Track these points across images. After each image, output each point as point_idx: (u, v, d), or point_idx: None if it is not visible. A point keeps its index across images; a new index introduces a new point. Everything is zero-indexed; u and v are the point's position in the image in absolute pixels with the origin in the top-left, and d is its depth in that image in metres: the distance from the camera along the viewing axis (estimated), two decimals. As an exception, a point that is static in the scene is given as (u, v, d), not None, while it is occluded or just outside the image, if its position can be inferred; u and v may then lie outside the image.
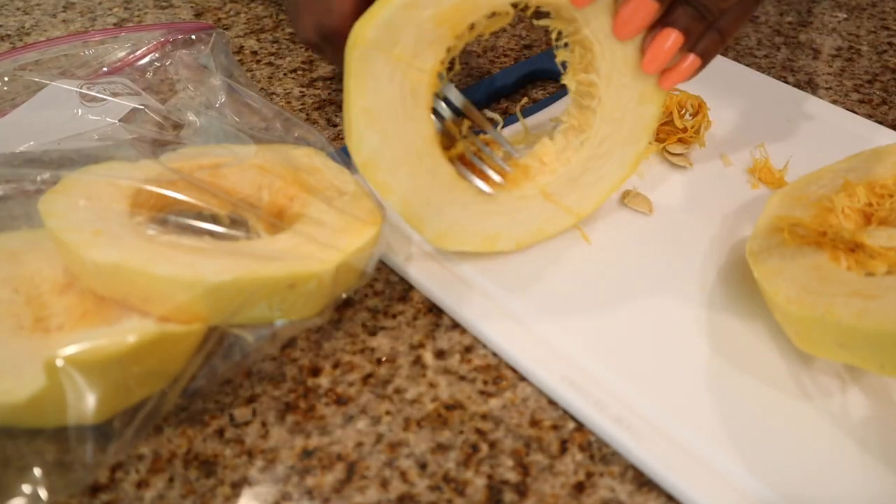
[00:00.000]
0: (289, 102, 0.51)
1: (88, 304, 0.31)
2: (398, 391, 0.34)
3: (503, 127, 0.46)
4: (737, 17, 0.37)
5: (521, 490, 0.30)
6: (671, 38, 0.35)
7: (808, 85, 0.54)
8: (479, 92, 0.51)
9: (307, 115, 0.50)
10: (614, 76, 0.37)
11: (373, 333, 0.36)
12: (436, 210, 0.36)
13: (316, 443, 0.32)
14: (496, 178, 0.38)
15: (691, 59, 0.36)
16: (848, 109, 0.51)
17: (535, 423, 0.33)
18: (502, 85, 0.52)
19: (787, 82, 0.54)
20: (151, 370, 0.30)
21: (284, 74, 0.54)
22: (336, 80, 0.54)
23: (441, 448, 0.32)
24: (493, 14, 0.34)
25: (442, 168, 0.35)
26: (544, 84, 0.54)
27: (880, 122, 0.50)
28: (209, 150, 0.38)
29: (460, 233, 0.37)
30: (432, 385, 0.34)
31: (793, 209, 0.37)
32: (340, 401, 0.33)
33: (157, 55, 0.51)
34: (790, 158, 0.45)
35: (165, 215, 0.34)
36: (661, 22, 0.35)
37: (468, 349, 0.35)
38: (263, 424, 0.32)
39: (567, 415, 0.33)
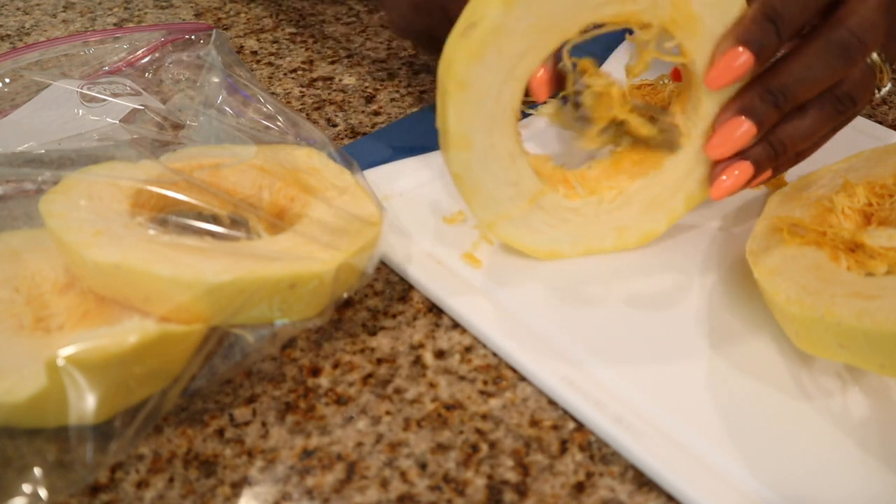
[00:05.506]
0: (289, 102, 0.51)
1: (89, 304, 0.31)
2: (398, 391, 0.34)
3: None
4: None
5: (521, 490, 0.30)
6: (743, 127, 0.34)
7: (808, 85, 0.54)
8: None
9: (307, 115, 0.50)
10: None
11: (373, 333, 0.36)
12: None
13: (316, 443, 0.32)
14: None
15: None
16: (848, 109, 0.51)
17: (535, 423, 0.33)
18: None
19: (786, 82, 0.54)
20: (152, 370, 0.30)
21: (284, 74, 0.54)
22: (335, 80, 0.54)
23: (441, 448, 0.32)
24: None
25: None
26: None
27: (880, 122, 0.50)
28: (209, 151, 0.38)
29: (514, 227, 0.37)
30: (432, 385, 0.34)
31: (793, 209, 0.37)
32: (340, 401, 0.33)
33: (157, 55, 0.51)
34: (790, 158, 0.45)
35: (166, 215, 0.34)
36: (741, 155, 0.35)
37: (468, 349, 0.35)
38: (263, 424, 0.32)
39: (567, 415, 0.33)
